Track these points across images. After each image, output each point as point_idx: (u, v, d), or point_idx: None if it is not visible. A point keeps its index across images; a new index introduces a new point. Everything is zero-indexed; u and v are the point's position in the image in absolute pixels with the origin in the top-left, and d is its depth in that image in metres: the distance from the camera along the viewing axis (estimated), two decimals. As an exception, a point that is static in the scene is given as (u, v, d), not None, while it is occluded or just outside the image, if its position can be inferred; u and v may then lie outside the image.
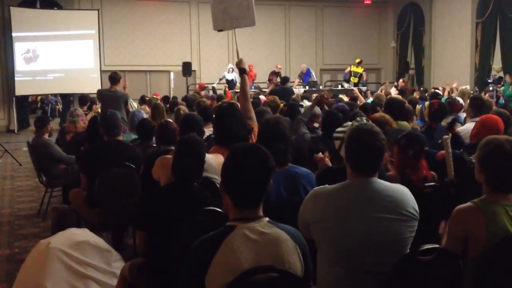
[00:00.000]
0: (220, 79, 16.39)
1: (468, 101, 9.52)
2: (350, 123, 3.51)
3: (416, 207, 2.41)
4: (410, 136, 3.68)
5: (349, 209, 2.35)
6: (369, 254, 2.30)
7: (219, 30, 5.44)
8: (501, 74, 13.82)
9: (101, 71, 16.32)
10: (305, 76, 16.84)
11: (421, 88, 14.12)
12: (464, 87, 9.64)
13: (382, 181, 2.42)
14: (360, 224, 2.31)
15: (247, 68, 4.95)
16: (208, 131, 6.16)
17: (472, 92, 11.17)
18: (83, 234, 3.78)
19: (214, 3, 5.27)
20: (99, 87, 13.40)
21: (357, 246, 2.30)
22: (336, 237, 2.33)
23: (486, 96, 9.52)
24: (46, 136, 6.45)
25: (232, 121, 3.90)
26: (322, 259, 2.40)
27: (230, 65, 16.56)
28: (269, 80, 15.97)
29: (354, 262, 2.31)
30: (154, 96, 11.96)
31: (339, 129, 3.58)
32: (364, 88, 15.06)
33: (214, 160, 3.66)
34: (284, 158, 3.17)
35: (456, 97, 9.34)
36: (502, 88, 9.13)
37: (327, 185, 2.52)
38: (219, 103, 8.53)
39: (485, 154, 2.53)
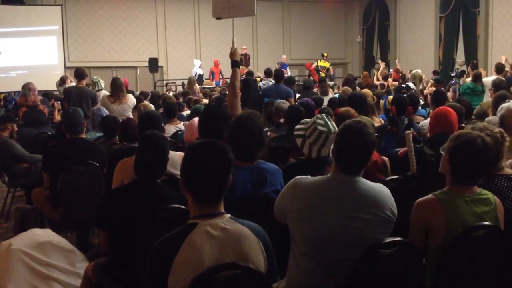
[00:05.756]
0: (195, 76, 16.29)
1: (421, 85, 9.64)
2: (309, 120, 3.49)
3: (394, 209, 2.43)
4: None
5: (328, 203, 2.36)
6: (339, 250, 2.32)
7: (218, 18, 5.22)
8: (464, 67, 14.05)
9: (66, 68, 15.99)
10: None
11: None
12: (415, 71, 9.76)
13: (365, 181, 2.44)
14: (336, 220, 2.32)
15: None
16: (174, 127, 6.12)
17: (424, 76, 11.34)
18: (45, 234, 3.71)
19: None
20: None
21: (329, 241, 2.32)
22: (310, 229, 2.34)
23: (450, 91, 9.65)
24: (6, 134, 6.28)
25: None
26: (294, 249, 2.42)
27: (199, 61, 16.54)
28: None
29: (324, 256, 2.33)
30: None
31: (299, 126, 3.50)
32: (331, 83, 15.13)
33: (179, 156, 3.62)
34: (252, 154, 3.12)
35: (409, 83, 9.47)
36: (461, 84, 9.28)
37: (309, 176, 2.53)
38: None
39: (455, 146, 2.56)
